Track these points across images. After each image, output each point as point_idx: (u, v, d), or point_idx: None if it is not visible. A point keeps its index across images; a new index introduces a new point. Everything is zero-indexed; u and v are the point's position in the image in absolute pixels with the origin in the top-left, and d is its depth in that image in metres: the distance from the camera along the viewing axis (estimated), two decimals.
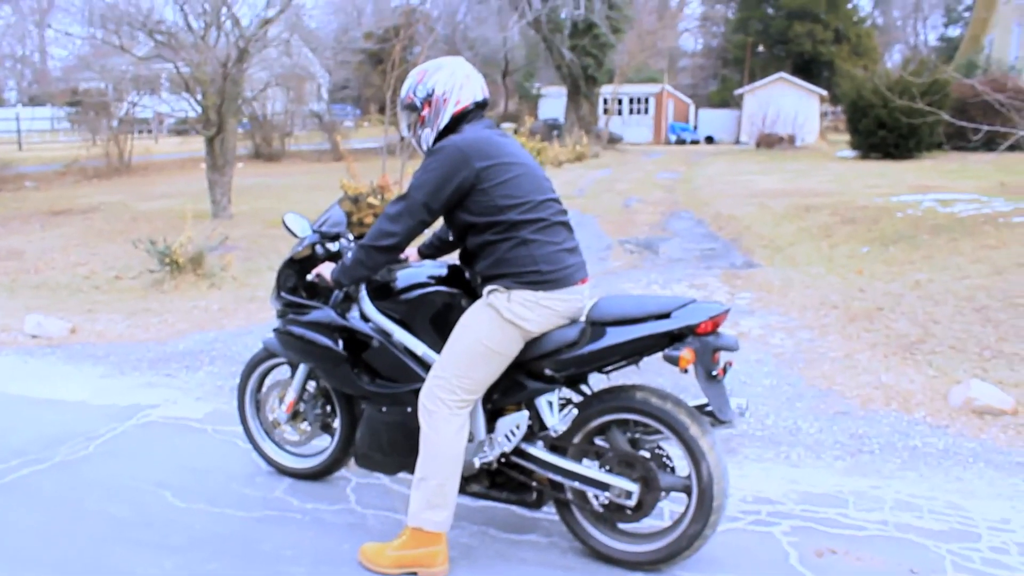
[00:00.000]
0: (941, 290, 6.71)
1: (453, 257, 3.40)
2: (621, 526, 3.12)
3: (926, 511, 3.51)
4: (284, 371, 3.82)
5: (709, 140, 40.51)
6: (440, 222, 3.23)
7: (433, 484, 2.93)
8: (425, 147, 3.05)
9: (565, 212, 3.06)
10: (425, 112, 3.04)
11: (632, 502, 2.95)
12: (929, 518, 3.45)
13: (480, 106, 3.07)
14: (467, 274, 3.23)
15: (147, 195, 16.08)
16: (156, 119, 30.27)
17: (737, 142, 37.36)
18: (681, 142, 39.95)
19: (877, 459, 4.06)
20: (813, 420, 4.51)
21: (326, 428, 3.74)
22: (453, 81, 3.02)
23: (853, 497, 3.64)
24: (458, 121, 3.02)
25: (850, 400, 4.76)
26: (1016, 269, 7.05)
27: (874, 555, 3.15)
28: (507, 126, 31.88)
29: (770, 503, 3.59)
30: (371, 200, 10.15)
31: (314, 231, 3.50)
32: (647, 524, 3.08)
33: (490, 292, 2.93)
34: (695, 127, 42.42)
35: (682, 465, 2.95)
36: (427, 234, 3.57)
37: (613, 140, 34.74)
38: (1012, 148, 10.43)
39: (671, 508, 3.36)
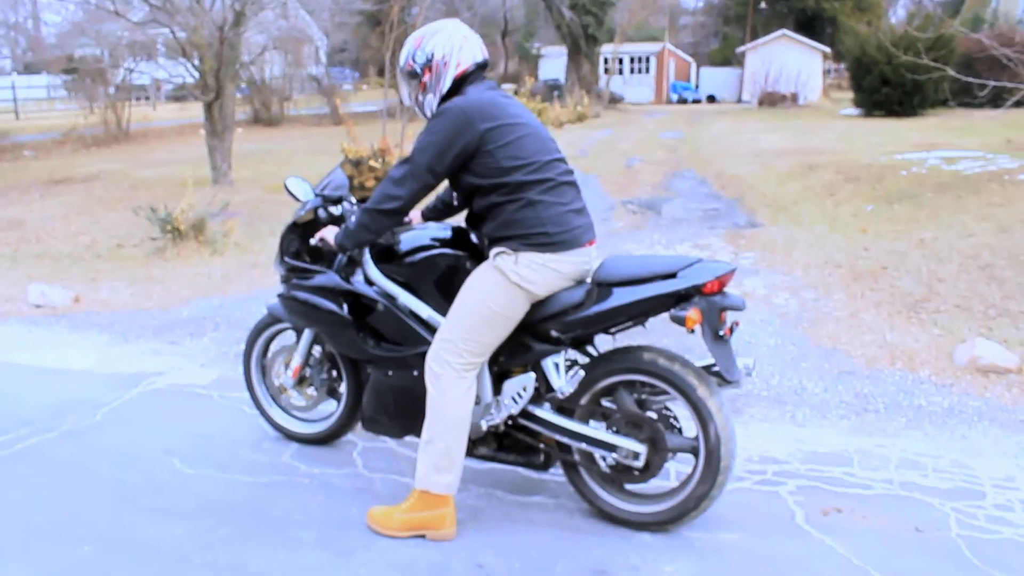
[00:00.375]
0: (946, 248, 6.68)
1: (458, 219, 3.38)
2: (628, 487, 3.13)
3: (931, 469, 3.52)
4: (290, 336, 3.82)
5: (711, 99, 40.22)
6: (444, 185, 3.21)
7: (440, 447, 2.93)
8: (429, 113, 3.02)
9: (571, 172, 3.03)
10: (426, 78, 3.01)
11: (639, 463, 2.95)
12: (934, 476, 3.46)
13: (481, 67, 3.03)
14: (474, 236, 3.22)
15: (147, 162, 16.01)
16: (154, 85, 30.06)
17: (739, 101, 37.07)
18: (683, 101, 39.67)
19: (882, 418, 4.07)
20: (818, 380, 4.51)
21: (332, 393, 3.75)
22: (451, 43, 2.98)
23: (858, 456, 3.66)
24: (460, 84, 2.98)
25: (855, 359, 4.76)
26: (1022, 227, 7.02)
27: (879, 513, 3.16)
28: (507, 87, 31.63)
29: (776, 463, 3.60)
30: (372, 163, 10.09)
31: (316, 195, 3.48)
32: (654, 485, 3.09)
33: (497, 254, 2.91)
34: (697, 86, 42.09)
35: (689, 426, 2.95)
36: (431, 197, 3.55)
37: (614, 100, 34.50)
38: (1018, 104, 10.30)
39: (678, 469, 3.37)
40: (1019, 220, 7.23)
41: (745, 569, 2.81)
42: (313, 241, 3.31)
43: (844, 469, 3.53)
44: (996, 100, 11.08)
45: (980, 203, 8.09)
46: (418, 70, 3.01)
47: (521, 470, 3.44)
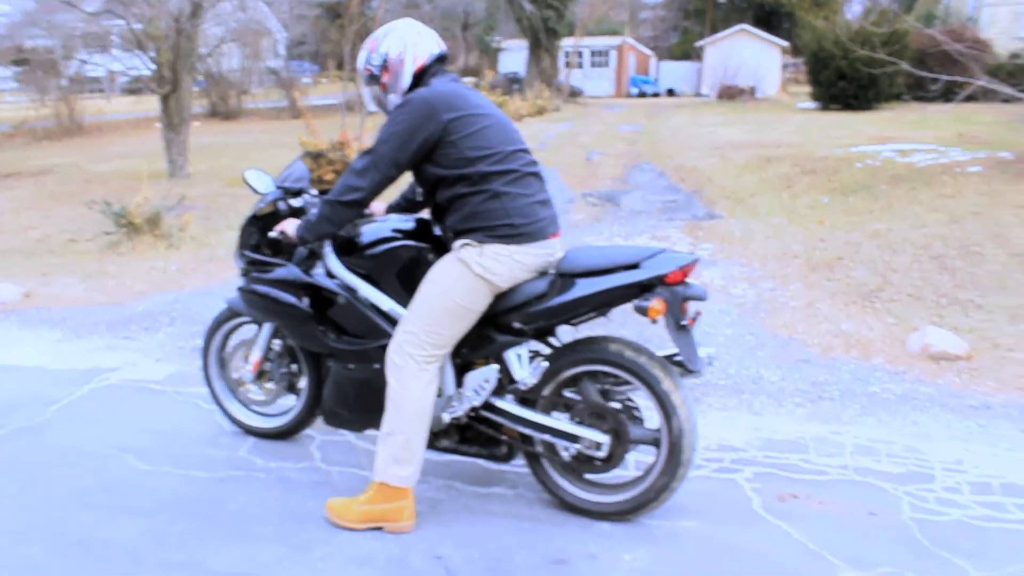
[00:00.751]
0: (900, 239, 6.79)
1: (421, 212, 3.36)
2: (590, 477, 3.14)
3: (884, 455, 3.58)
4: (249, 330, 3.77)
5: (670, 93, 40.42)
6: (408, 181, 3.19)
7: (400, 439, 2.92)
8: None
9: (536, 163, 3.03)
10: (385, 79, 3.00)
11: (602, 453, 2.97)
12: (887, 462, 3.52)
13: (440, 60, 3.02)
14: (437, 228, 3.20)
15: (101, 156, 15.72)
16: (108, 78, 29.52)
17: (698, 94, 37.32)
18: (642, 95, 39.81)
19: (837, 405, 4.13)
20: (775, 368, 4.56)
21: (292, 388, 3.71)
22: (405, 41, 2.98)
23: (814, 443, 3.71)
24: (421, 78, 2.97)
25: (811, 348, 4.82)
26: (972, 218, 7.16)
27: (835, 499, 3.21)
28: (468, 80, 31.55)
29: (733, 450, 3.64)
30: (331, 157, 10.01)
31: (276, 187, 3.44)
32: (616, 475, 3.10)
33: (462, 246, 2.90)
34: (656, 80, 42.26)
35: (652, 417, 2.96)
36: (395, 195, 3.53)
37: (574, 93, 34.54)
38: (969, 98, 10.55)
39: (638, 459, 3.39)
40: (970, 211, 7.37)
41: (703, 556, 2.84)
42: (273, 234, 3.28)
43: (800, 456, 3.58)
44: (948, 94, 11.31)
45: (932, 195, 8.23)
46: (376, 72, 3.01)
47: (481, 462, 3.44)
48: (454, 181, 2.88)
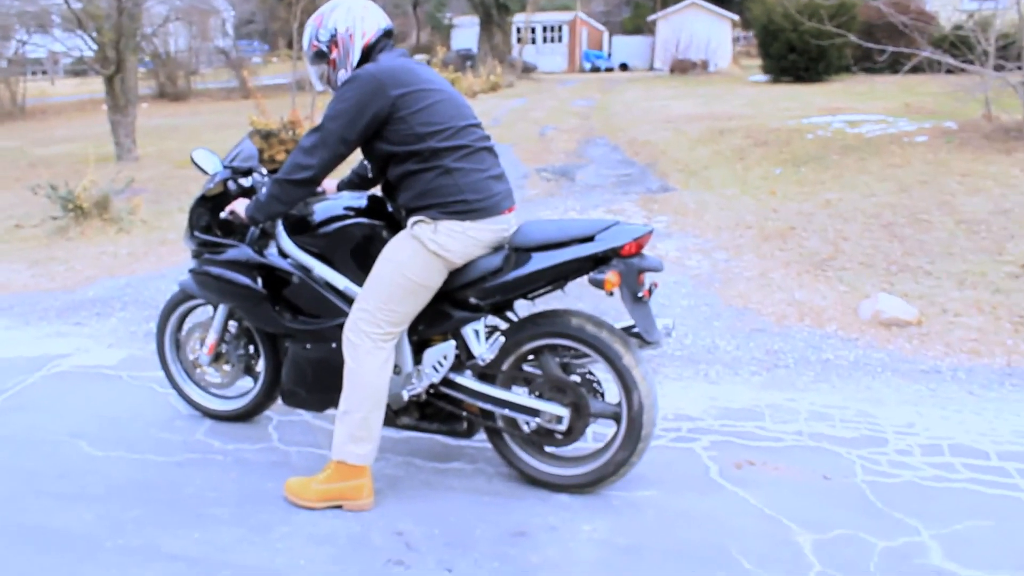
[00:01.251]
0: (850, 208, 6.89)
1: (374, 189, 3.32)
2: (550, 450, 3.15)
3: (838, 420, 3.65)
4: (204, 312, 3.71)
5: (623, 67, 40.45)
6: (358, 157, 3.15)
7: (357, 417, 2.90)
8: None
9: (488, 138, 3.00)
10: (334, 54, 2.95)
11: (563, 427, 2.97)
12: (841, 427, 3.58)
13: (387, 35, 2.98)
14: (390, 206, 3.17)
15: (46, 140, 15.35)
16: (50, 59, 28.77)
17: (651, 68, 37.38)
18: (596, 70, 39.79)
19: (792, 373, 4.19)
20: (730, 338, 4.61)
21: (249, 369, 3.67)
22: (352, 15, 2.93)
23: (769, 410, 3.76)
24: (369, 53, 2.93)
25: (766, 317, 4.89)
26: (920, 186, 7.29)
27: (790, 464, 3.26)
28: (420, 58, 31.20)
29: (690, 420, 3.68)
30: (282, 136, 9.88)
31: (225, 167, 3.37)
32: (576, 448, 3.11)
33: (415, 223, 2.87)
34: (609, 54, 42.27)
35: (612, 390, 2.97)
36: (346, 171, 3.48)
37: (527, 69, 34.42)
38: (915, 70, 10.68)
39: (597, 431, 3.41)
40: (917, 180, 7.50)
41: (661, 524, 2.87)
42: (223, 215, 3.22)
43: (756, 423, 3.63)
44: (895, 65, 11.43)
45: (882, 164, 8.36)
46: (324, 48, 2.96)
47: (440, 438, 3.43)
48: (405, 158, 2.84)
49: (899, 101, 13.48)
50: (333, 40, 2.93)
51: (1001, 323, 4.60)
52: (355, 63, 2.93)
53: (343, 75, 2.95)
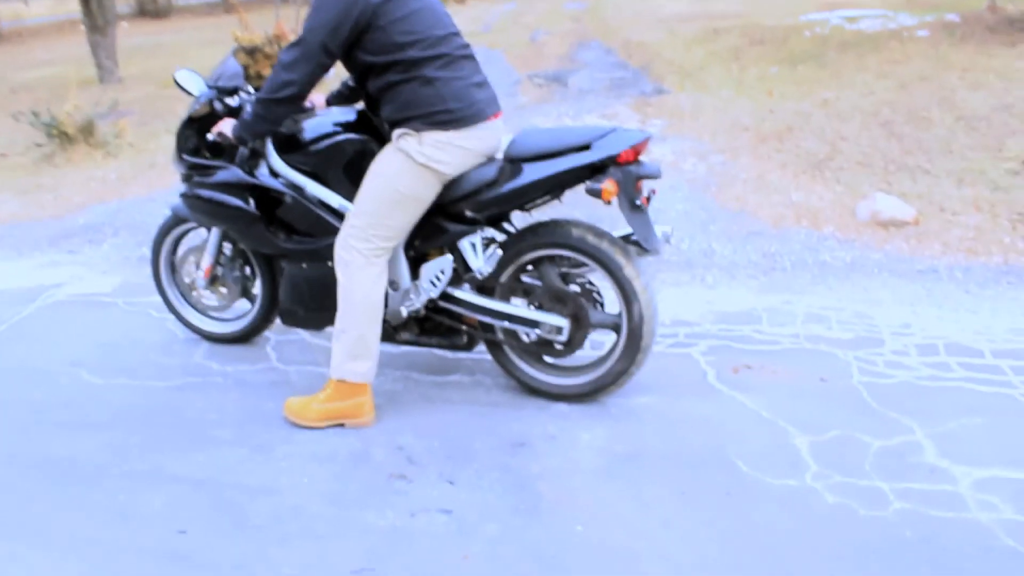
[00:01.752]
0: (848, 107, 6.77)
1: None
2: (550, 360, 3.16)
3: (835, 322, 3.65)
4: (199, 235, 3.68)
5: None
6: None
7: (354, 335, 2.90)
8: None
9: (468, 46, 2.92)
10: None
11: (563, 337, 2.98)
12: (837, 328, 3.59)
13: None
14: (375, 122, 3.10)
15: (24, 63, 15.01)
16: None
17: None
18: None
19: (789, 276, 4.19)
20: (727, 242, 4.59)
21: (246, 292, 3.66)
22: None
23: (766, 314, 3.77)
24: None
25: (762, 220, 4.85)
26: (919, 83, 7.15)
27: (787, 367, 3.28)
28: None
29: (687, 325, 3.69)
30: (267, 51, 9.65)
31: (210, 87, 3.29)
32: (576, 357, 3.12)
33: (400, 136, 2.82)
34: None
35: (611, 299, 2.96)
36: (335, 82, 3.39)
37: None
38: None
39: (598, 339, 3.42)
40: (917, 77, 7.35)
41: (660, 430, 2.90)
42: (211, 136, 3.15)
43: (753, 327, 3.64)
44: None
45: (880, 61, 8.18)
46: None
47: (437, 351, 3.45)
48: (384, 68, 2.77)
49: None
50: None
51: (999, 221, 4.57)
52: None
53: None
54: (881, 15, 10.68)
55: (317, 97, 3.35)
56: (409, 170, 2.80)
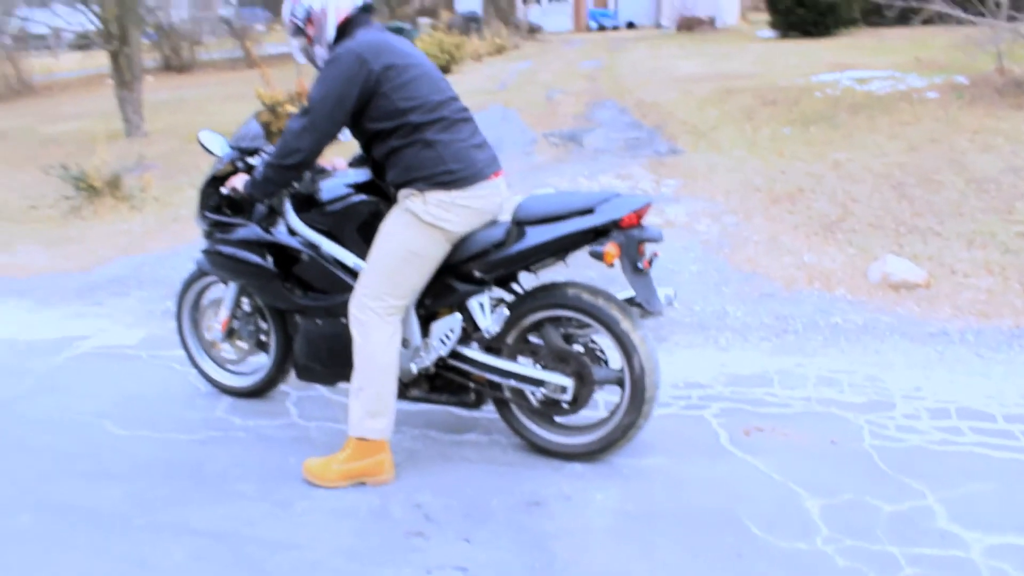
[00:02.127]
0: (860, 169, 6.87)
1: None
2: (558, 419, 3.22)
3: (846, 385, 3.70)
4: (221, 289, 3.78)
5: (630, 25, 39.96)
6: None
7: (371, 393, 2.97)
8: (321, 64, 3.00)
9: (466, 110, 3.06)
10: (310, 31, 3.02)
11: (568, 396, 3.04)
12: (849, 391, 3.64)
13: (365, 11, 3.03)
14: (383, 186, 3.22)
15: (54, 117, 15.37)
16: (53, 34, 28.63)
17: (658, 26, 36.96)
18: (602, 28, 39.34)
19: (801, 338, 4.24)
20: (740, 304, 4.65)
21: (261, 345, 3.75)
22: None
23: (778, 376, 3.81)
24: (346, 29, 2.97)
25: (775, 282, 4.92)
26: (930, 145, 7.25)
27: (799, 430, 3.32)
28: (424, 21, 31.02)
29: (700, 387, 3.74)
30: (289, 108, 9.89)
31: (232, 147, 3.43)
32: (584, 416, 3.19)
33: (406, 197, 2.94)
34: (615, 12, 41.74)
35: (615, 357, 3.03)
36: (355, 147, 3.52)
37: (533, 30, 34.07)
38: (926, 22, 10.55)
39: (606, 399, 3.47)
40: (927, 139, 7.46)
41: (672, 491, 2.94)
42: (224, 190, 3.30)
43: (765, 389, 3.69)
44: (904, 18, 11.29)
45: (891, 122, 8.30)
46: (301, 24, 3.04)
47: (454, 409, 3.51)
48: (387, 134, 2.91)
49: (909, 55, 13.33)
50: (309, 17, 3.00)
51: (1010, 284, 4.62)
52: (330, 40, 2.99)
53: (320, 51, 3.02)
54: (890, 76, 10.84)
55: (339, 160, 3.49)
56: (417, 229, 2.91)
